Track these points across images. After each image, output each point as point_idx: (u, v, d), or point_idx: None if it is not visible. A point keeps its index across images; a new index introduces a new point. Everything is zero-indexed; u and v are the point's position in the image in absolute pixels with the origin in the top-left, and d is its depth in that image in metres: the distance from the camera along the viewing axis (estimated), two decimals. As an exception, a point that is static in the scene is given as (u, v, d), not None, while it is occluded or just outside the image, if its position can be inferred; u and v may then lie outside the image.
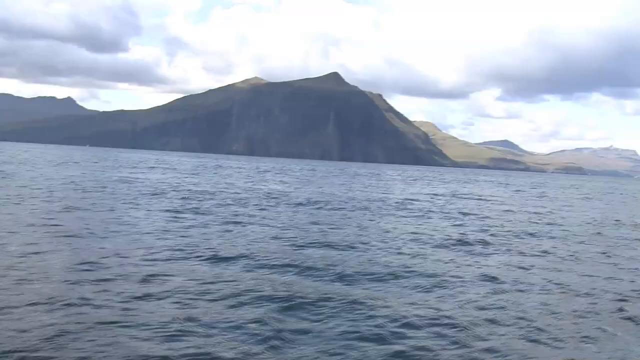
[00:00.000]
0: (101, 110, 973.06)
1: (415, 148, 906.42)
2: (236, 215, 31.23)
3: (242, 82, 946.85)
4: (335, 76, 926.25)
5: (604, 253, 25.55)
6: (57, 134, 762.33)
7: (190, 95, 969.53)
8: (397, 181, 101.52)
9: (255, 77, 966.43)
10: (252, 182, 68.54)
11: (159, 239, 22.04)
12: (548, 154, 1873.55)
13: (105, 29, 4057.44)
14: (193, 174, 79.30)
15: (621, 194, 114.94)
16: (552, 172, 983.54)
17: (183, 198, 39.67)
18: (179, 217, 28.87)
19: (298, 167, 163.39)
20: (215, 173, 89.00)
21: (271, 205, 38.05)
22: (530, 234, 31.00)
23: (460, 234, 29.13)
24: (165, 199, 38.25)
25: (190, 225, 26.08)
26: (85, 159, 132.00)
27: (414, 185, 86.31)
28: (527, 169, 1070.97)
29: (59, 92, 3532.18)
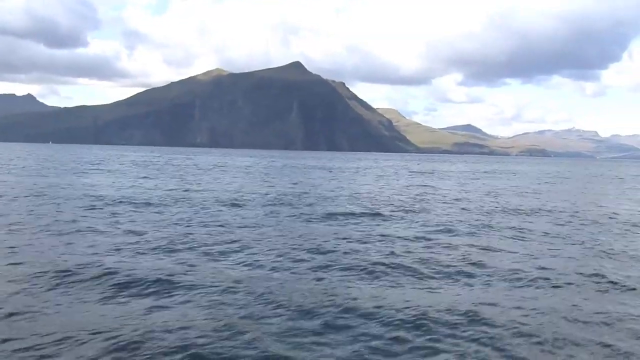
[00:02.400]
0: (62, 106, 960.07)
1: (379, 135, 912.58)
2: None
3: (204, 74, 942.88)
4: (297, 65, 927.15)
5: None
6: (20, 132, 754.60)
7: (152, 89, 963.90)
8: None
9: (217, 69, 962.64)
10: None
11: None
12: (511, 137, 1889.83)
13: (62, 23, 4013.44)
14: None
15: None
16: (516, 155, 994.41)
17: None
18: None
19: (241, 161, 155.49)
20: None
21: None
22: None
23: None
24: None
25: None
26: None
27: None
28: (491, 152, 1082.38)
29: (18, 89, 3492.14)
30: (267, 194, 42.64)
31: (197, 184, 52.98)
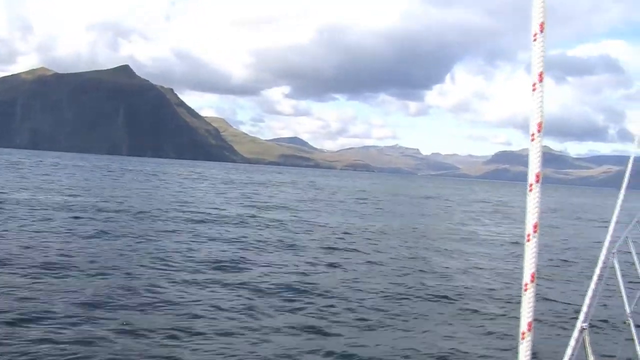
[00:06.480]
0: None
1: (206, 144, 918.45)
2: None
3: (27, 72, 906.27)
4: (125, 69, 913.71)
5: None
6: None
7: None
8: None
9: (42, 68, 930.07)
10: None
11: None
12: (337, 152, 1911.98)
13: None
14: None
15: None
16: (341, 169, 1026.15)
17: None
18: None
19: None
20: None
21: None
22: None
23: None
24: None
25: None
26: None
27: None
28: (317, 165, 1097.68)
29: None
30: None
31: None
